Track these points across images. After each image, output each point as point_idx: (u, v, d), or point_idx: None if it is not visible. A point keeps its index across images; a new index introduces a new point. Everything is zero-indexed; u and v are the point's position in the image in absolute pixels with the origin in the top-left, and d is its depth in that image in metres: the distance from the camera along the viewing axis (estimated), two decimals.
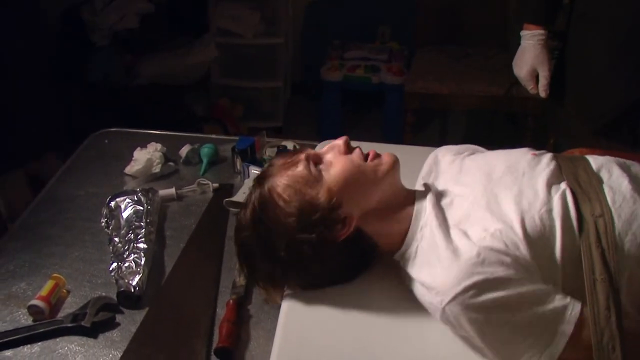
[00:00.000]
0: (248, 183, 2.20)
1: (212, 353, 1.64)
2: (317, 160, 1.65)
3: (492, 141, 1.94)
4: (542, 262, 1.46)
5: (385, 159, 1.66)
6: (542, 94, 2.38)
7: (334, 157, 1.64)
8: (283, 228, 1.59)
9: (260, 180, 1.66)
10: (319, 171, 1.61)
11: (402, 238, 1.64)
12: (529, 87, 2.42)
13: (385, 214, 1.65)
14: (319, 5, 5.37)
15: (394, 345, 1.54)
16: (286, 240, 1.59)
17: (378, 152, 1.70)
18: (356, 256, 1.66)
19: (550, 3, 2.37)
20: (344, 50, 5.14)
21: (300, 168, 1.61)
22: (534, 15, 2.38)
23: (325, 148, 1.68)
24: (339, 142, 1.66)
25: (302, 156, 1.64)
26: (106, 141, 2.64)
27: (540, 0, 2.36)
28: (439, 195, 1.70)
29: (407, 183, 1.75)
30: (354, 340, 1.55)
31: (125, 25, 4.48)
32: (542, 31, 2.34)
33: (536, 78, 2.40)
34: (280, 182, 1.61)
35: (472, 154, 1.86)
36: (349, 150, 1.66)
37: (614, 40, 2.18)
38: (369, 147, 1.73)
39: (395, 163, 1.67)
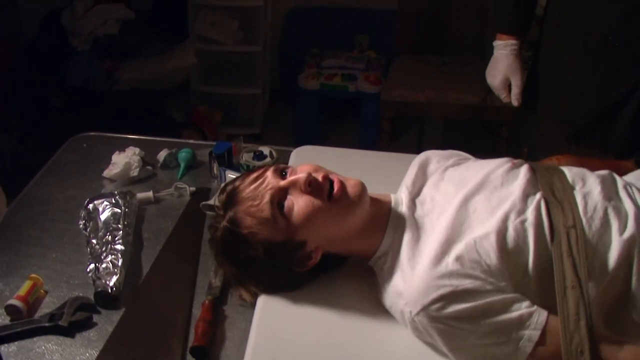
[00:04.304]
0: None
1: (188, 352, 1.66)
2: (282, 198, 1.62)
3: (469, 149, 1.97)
4: (514, 271, 1.49)
5: (351, 192, 1.63)
6: (515, 102, 2.42)
7: (296, 198, 1.61)
8: (250, 262, 1.66)
9: (226, 208, 1.67)
10: (282, 216, 1.60)
11: (375, 248, 1.67)
12: (502, 96, 2.46)
13: (354, 235, 1.66)
14: (298, 14, 5.39)
15: (367, 343, 1.57)
16: (253, 271, 1.69)
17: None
18: (322, 270, 1.71)
19: (524, 13, 2.40)
20: (322, 59, 5.18)
21: (265, 212, 1.60)
22: (507, 26, 2.42)
23: (287, 181, 1.63)
24: (301, 179, 1.61)
25: (268, 197, 1.60)
26: (85, 145, 2.64)
27: (513, 11, 2.39)
28: (417, 204, 1.73)
29: (383, 189, 1.78)
30: (327, 340, 1.59)
31: (105, 31, 4.50)
32: (514, 41, 2.38)
33: (509, 87, 2.44)
34: (246, 222, 1.62)
35: (457, 162, 1.88)
36: (311, 188, 1.61)
37: (586, 49, 2.22)
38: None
39: (361, 196, 1.64)
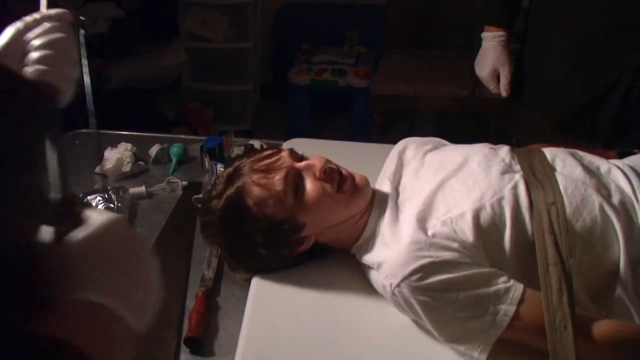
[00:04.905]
0: None
1: (182, 343, 1.67)
2: (297, 179, 1.67)
3: (459, 142, 2.00)
4: (491, 249, 1.52)
5: (357, 186, 1.70)
6: (503, 93, 2.44)
7: (310, 182, 1.67)
8: (248, 239, 1.68)
9: (233, 179, 1.69)
10: (294, 195, 1.64)
11: (357, 237, 1.71)
12: (491, 87, 2.48)
13: (343, 225, 1.71)
14: (288, 11, 5.41)
15: (357, 333, 1.59)
16: (247, 248, 1.70)
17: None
18: (307, 257, 1.75)
19: (510, 5, 2.42)
20: (312, 55, 5.20)
21: (277, 186, 1.64)
22: (494, 17, 2.43)
23: (303, 164, 1.69)
24: (318, 165, 1.68)
25: (283, 173, 1.65)
26: (77, 142, 2.65)
27: (500, 3, 2.41)
28: (399, 192, 1.76)
29: (373, 180, 1.80)
30: (317, 329, 1.60)
31: (96, 30, 4.50)
32: (502, 32, 2.40)
33: (497, 78, 2.46)
34: (254, 192, 1.65)
35: (435, 147, 1.91)
36: (325, 175, 1.67)
37: (571, 41, 2.23)
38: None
39: (365, 190, 1.72)
